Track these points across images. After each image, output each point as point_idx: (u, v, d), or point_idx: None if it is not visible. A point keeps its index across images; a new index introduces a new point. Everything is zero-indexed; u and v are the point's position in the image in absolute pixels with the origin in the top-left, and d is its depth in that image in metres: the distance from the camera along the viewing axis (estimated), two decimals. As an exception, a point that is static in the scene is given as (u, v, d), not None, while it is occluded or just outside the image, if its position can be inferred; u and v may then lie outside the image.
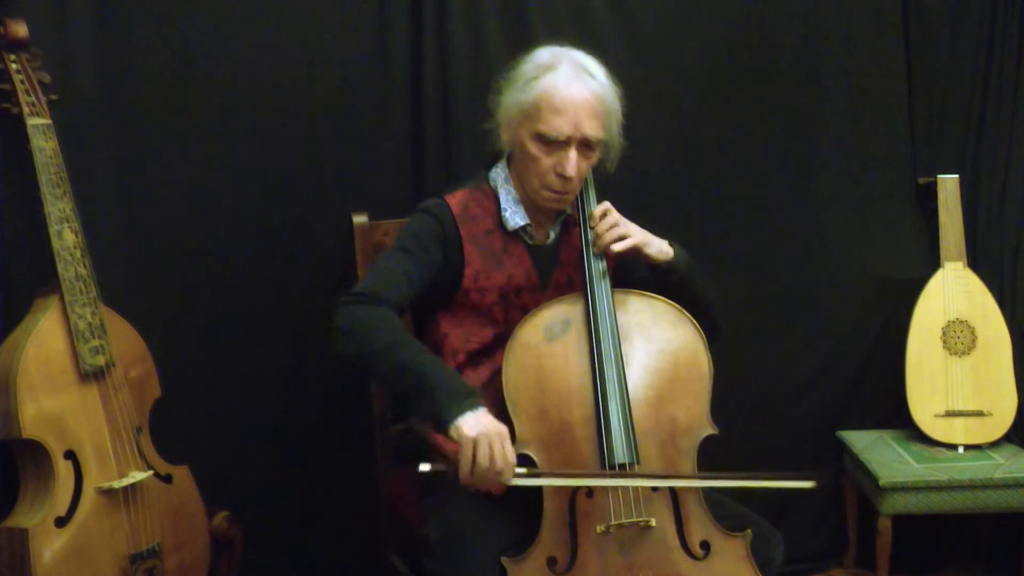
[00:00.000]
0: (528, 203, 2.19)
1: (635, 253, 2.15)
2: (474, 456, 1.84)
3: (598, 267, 2.13)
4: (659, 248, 2.16)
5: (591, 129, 2.07)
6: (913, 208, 3.10)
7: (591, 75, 2.10)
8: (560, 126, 2.06)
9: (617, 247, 2.11)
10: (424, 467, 1.89)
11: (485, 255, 2.17)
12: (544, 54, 2.13)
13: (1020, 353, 2.98)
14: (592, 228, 2.14)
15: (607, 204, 2.16)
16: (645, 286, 2.20)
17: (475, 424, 1.86)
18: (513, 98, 2.12)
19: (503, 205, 2.19)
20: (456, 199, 2.19)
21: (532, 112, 2.08)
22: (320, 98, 2.65)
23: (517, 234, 2.20)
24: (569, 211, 2.24)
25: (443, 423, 1.87)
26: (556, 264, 2.23)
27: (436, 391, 1.89)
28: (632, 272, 2.24)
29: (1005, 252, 3.11)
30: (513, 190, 2.20)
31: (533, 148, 2.10)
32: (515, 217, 2.19)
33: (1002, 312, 2.96)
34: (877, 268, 3.10)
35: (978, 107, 3.09)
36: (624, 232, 2.12)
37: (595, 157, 2.13)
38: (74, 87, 2.42)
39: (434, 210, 2.17)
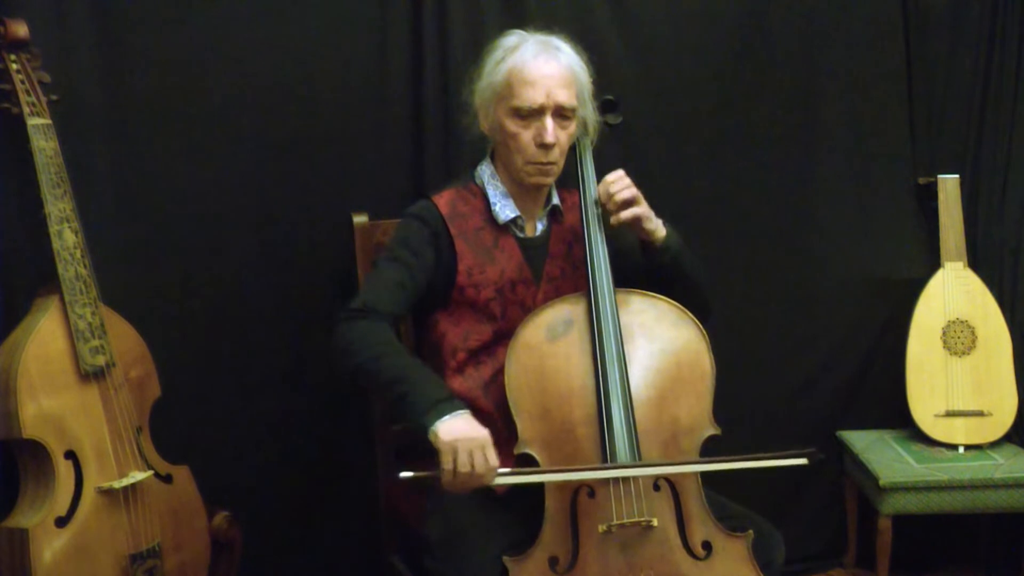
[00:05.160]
0: (516, 195, 2.21)
1: (636, 227, 2.17)
2: (455, 463, 1.85)
3: (595, 210, 2.17)
4: (657, 225, 2.20)
5: (564, 97, 2.12)
6: (913, 208, 3.10)
7: (557, 48, 2.17)
8: (533, 96, 2.10)
9: (625, 214, 2.14)
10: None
11: (476, 250, 2.18)
12: (510, 38, 2.19)
13: (1020, 353, 2.98)
14: (606, 190, 2.15)
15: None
16: (631, 256, 2.24)
17: (452, 430, 1.86)
18: (485, 83, 2.17)
19: (492, 200, 2.21)
20: (443, 199, 2.21)
21: (504, 91, 2.13)
22: (320, 98, 2.65)
23: (507, 228, 2.21)
24: (556, 201, 2.26)
25: (422, 431, 1.88)
26: (547, 256, 2.24)
27: (415, 397, 1.90)
28: (620, 238, 2.27)
29: (1005, 252, 3.11)
30: (500, 184, 2.22)
31: (511, 125, 2.13)
32: (505, 210, 2.20)
33: (1002, 312, 2.96)
34: (877, 268, 3.10)
35: (978, 107, 3.09)
36: (635, 196, 2.14)
37: (572, 127, 2.17)
38: (74, 87, 2.42)
39: (422, 213, 2.20)
